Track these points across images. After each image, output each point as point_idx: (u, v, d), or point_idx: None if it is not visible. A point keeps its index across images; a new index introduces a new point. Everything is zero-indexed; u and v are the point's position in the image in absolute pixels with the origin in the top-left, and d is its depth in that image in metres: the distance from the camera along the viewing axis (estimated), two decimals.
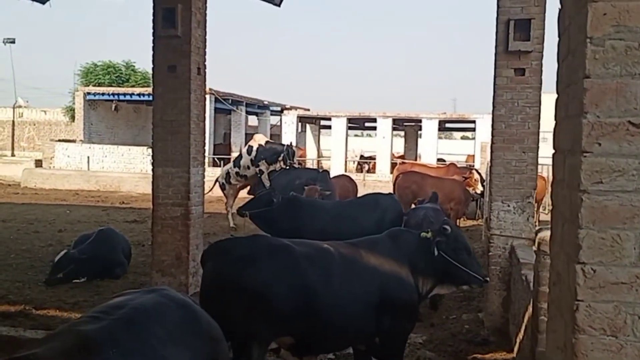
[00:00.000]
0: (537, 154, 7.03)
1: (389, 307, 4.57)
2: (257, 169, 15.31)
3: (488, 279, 5.11)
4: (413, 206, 12.49)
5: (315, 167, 26.89)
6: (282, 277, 4.30)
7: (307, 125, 32.96)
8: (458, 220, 14.40)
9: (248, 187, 16.09)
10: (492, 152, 7.15)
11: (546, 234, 3.74)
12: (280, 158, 15.12)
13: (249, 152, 15.68)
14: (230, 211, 15.32)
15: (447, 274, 4.90)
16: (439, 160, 25.94)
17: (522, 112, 6.97)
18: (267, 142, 16.15)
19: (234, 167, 15.95)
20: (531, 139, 6.98)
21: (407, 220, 10.06)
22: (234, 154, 28.14)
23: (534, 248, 3.97)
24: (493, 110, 7.13)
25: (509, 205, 7.04)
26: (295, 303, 4.27)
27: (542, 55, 6.93)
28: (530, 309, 4.88)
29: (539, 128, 6.98)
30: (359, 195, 14.20)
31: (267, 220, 7.83)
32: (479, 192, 14.54)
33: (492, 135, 7.14)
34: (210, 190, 14.69)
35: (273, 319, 4.23)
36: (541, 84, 6.95)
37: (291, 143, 16.88)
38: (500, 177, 7.05)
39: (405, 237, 5.00)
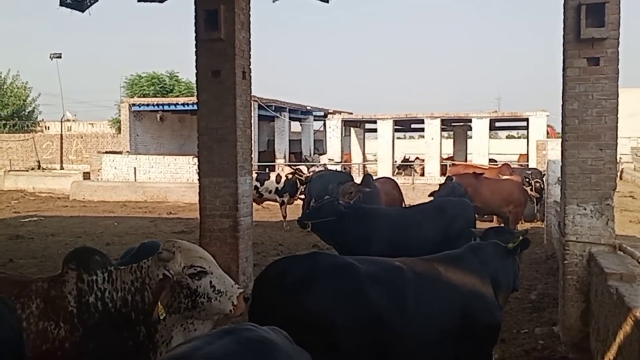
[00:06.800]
0: (616, 151, 6.40)
1: (472, 334, 4.05)
2: (280, 200, 16.52)
3: None
4: None
5: (345, 170, 26.50)
6: (345, 304, 3.82)
7: (352, 129, 32.50)
8: (517, 224, 13.74)
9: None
10: (564, 150, 6.55)
11: None
12: (298, 187, 16.50)
13: (278, 180, 16.80)
14: None
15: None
16: (490, 160, 25.13)
17: (598, 106, 6.36)
18: (294, 173, 16.92)
19: (256, 181, 16.37)
20: (608, 135, 6.36)
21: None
22: (279, 161, 28.01)
23: None
24: (564, 105, 6.55)
25: (585, 209, 6.43)
26: (361, 334, 3.78)
27: (618, 43, 6.31)
28: (627, 328, 4.30)
29: (617, 122, 6.35)
30: (404, 199, 13.86)
31: (333, 231, 7.30)
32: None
33: (564, 132, 6.55)
34: None
35: (335, 353, 3.74)
36: (618, 73, 6.34)
37: (294, 172, 17.18)
38: (574, 178, 6.44)
39: (489, 250, 4.48)
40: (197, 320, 3.69)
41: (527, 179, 14.66)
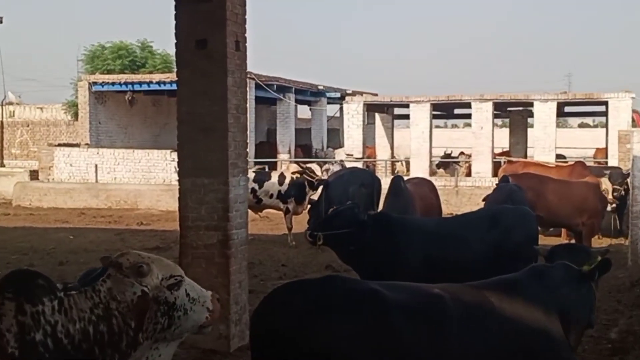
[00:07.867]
0: None
1: None
2: (284, 207, 16.82)
3: None
4: None
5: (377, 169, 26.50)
6: (367, 342, 3.85)
7: (377, 116, 32.54)
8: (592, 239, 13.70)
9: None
10: None
11: None
12: (307, 191, 16.77)
13: (281, 182, 16.94)
14: None
15: None
16: (557, 156, 25.03)
17: None
18: (303, 172, 17.06)
19: (253, 182, 16.40)
20: None
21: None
22: (282, 157, 28.10)
23: None
24: None
25: None
26: None
27: None
28: None
29: None
30: (444, 206, 13.90)
31: (350, 247, 7.32)
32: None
33: None
34: None
35: None
36: None
37: (302, 171, 17.45)
38: None
39: (556, 275, 4.51)
40: (162, 344, 3.87)
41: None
